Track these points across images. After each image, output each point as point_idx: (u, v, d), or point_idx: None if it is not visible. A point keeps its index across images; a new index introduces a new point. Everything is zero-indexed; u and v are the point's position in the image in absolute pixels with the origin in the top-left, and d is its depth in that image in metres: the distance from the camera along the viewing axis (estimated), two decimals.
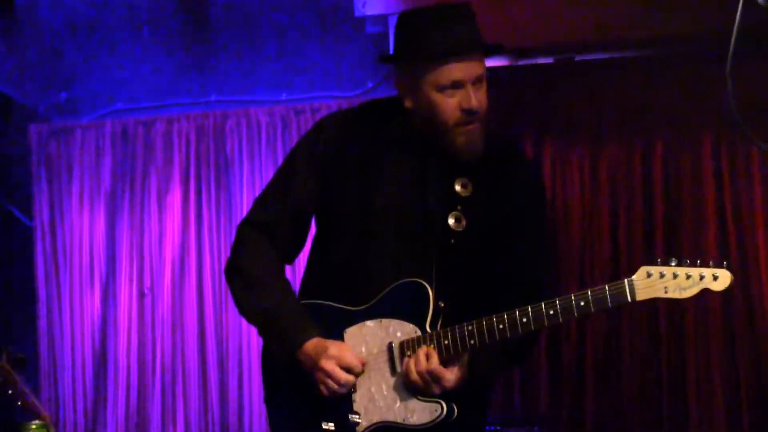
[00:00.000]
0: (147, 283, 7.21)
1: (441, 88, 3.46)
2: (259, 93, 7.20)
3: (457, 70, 3.45)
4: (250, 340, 7.00)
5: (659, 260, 3.28)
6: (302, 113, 7.11)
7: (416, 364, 3.43)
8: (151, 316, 7.19)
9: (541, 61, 6.81)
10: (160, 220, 7.21)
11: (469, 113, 3.46)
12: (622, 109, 6.93)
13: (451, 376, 3.45)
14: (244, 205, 7.03)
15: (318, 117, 6.87)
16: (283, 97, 7.17)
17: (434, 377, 3.42)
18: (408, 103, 3.57)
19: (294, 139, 7.03)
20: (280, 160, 6.98)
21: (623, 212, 6.87)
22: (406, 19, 3.58)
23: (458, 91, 3.46)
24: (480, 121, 3.51)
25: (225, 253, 7.04)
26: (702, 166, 6.79)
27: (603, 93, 6.94)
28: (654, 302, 6.42)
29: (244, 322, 6.83)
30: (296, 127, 7.08)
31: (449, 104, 3.46)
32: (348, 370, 3.51)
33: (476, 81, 3.48)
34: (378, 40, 7.03)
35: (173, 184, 7.22)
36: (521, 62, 6.75)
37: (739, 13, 2.73)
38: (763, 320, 6.63)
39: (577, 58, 6.77)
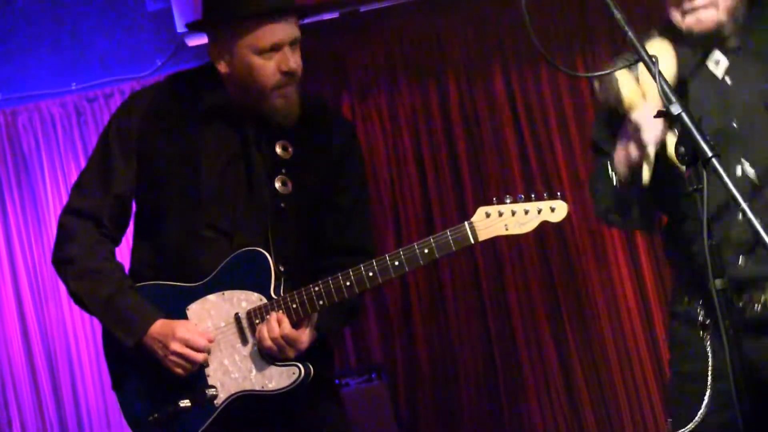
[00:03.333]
0: None
1: (260, 51, 3.43)
2: (47, 85, 6.96)
3: (276, 32, 3.42)
4: (76, 332, 6.82)
5: (495, 199, 3.34)
6: (95, 100, 6.92)
7: (269, 330, 3.42)
8: None
9: (327, 16, 6.79)
10: None
11: (288, 75, 3.45)
12: (413, 53, 6.99)
13: (304, 337, 3.46)
14: (49, 201, 6.83)
15: (111, 102, 6.78)
16: (73, 86, 6.96)
17: (289, 341, 3.42)
18: (223, 69, 3.52)
19: (90, 128, 6.89)
20: (80, 151, 6.87)
21: (428, 155, 6.94)
22: None
23: (276, 53, 3.43)
24: (296, 82, 3.50)
25: (38, 252, 6.85)
26: (496, 97, 6.92)
27: (392, 40, 6.99)
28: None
29: (68, 315, 6.75)
30: (91, 115, 6.89)
31: (268, 67, 3.44)
32: (198, 348, 3.47)
33: (293, 43, 3.47)
34: (161, 16, 6.90)
35: None
36: (307, 20, 6.72)
37: None
38: (573, 238, 6.83)
39: (363, 8, 6.77)
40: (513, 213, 3.31)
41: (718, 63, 3.22)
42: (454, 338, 6.88)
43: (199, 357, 3.48)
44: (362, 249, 3.65)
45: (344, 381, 6.33)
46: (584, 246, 6.82)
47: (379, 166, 6.92)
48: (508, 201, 3.32)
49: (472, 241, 3.33)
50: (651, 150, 3.06)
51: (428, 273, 6.87)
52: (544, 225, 3.33)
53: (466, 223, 3.33)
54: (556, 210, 3.30)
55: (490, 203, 3.35)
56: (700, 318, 3.29)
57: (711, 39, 3.21)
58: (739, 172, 3.18)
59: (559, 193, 3.31)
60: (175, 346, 3.45)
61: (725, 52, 3.21)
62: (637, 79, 3.12)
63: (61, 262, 3.65)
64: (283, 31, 3.44)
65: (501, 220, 3.31)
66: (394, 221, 6.93)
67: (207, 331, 3.52)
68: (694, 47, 3.23)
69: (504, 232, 3.32)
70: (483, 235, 3.32)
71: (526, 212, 3.31)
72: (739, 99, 3.18)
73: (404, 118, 6.97)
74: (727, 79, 3.21)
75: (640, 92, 3.10)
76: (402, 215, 6.93)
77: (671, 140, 3.04)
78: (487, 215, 3.32)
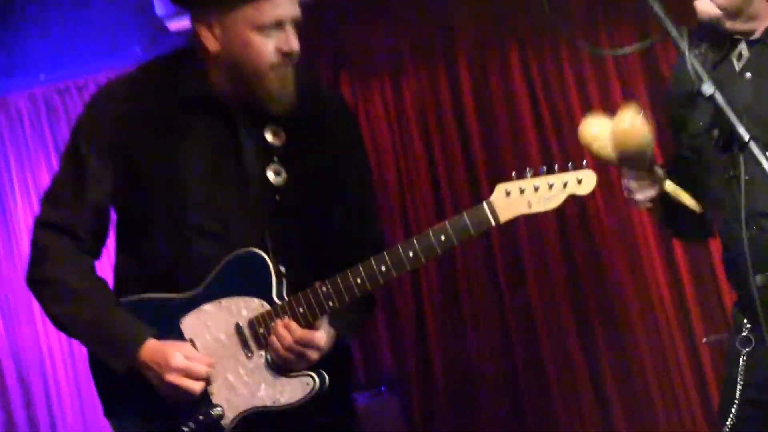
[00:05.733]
0: None
1: (261, 27, 3.36)
2: (14, 76, 6.96)
3: (281, 7, 3.36)
4: (52, 351, 6.82)
5: (514, 175, 3.27)
6: (67, 92, 6.95)
7: (280, 340, 3.37)
8: None
9: None
10: None
11: (287, 56, 3.40)
12: (421, 33, 7.01)
13: (321, 334, 3.41)
14: (17, 203, 6.85)
15: (85, 94, 6.77)
16: (42, 77, 6.94)
17: (306, 344, 3.37)
18: (212, 46, 3.44)
19: (62, 124, 6.90)
20: (51, 149, 6.85)
21: (437, 141, 6.94)
22: None
23: (277, 31, 3.37)
24: (293, 65, 3.45)
25: (7, 263, 6.85)
26: (512, 77, 6.90)
27: (399, 20, 7.01)
28: (488, 237, 6.66)
29: (41, 332, 6.74)
30: (63, 110, 6.93)
31: (267, 46, 3.38)
32: (197, 376, 3.42)
33: (294, 21, 3.41)
34: (139, 2, 6.90)
35: None
36: None
37: None
38: (599, 230, 6.81)
39: None
40: (536, 188, 3.23)
41: (740, 56, 3.30)
42: (473, 345, 6.88)
43: (198, 387, 3.42)
44: (370, 240, 3.63)
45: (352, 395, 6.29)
46: (612, 238, 6.81)
47: (384, 156, 6.93)
48: (529, 175, 3.25)
49: (493, 223, 3.27)
50: (643, 206, 3.36)
51: (442, 273, 6.85)
52: (569, 203, 3.27)
53: (484, 202, 3.27)
54: (584, 181, 3.23)
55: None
56: (745, 331, 3.37)
57: (731, 31, 3.27)
58: None
59: (584, 162, 3.23)
60: (171, 378, 3.40)
61: (750, 44, 3.27)
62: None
63: (37, 283, 3.59)
64: (289, 6, 3.38)
65: (523, 197, 3.24)
66: (402, 218, 6.92)
67: (206, 345, 3.46)
68: (718, 41, 3.31)
69: (527, 211, 3.26)
70: (504, 216, 3.26)
71: (551, 186, 3.23)
72: (752, 92, 3.23)
73: (411, 104, 6.97)
74: (747, 74, 3.28)
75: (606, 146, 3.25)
76: (411, 211, 6.91)
77: (670, 185, 3.32)
78: (507, 193, 3.25)
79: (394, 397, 6.43)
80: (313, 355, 3.39)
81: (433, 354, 6.90)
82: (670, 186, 3.35)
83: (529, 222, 6.61)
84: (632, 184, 3.32)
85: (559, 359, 6.88)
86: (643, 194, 3.32)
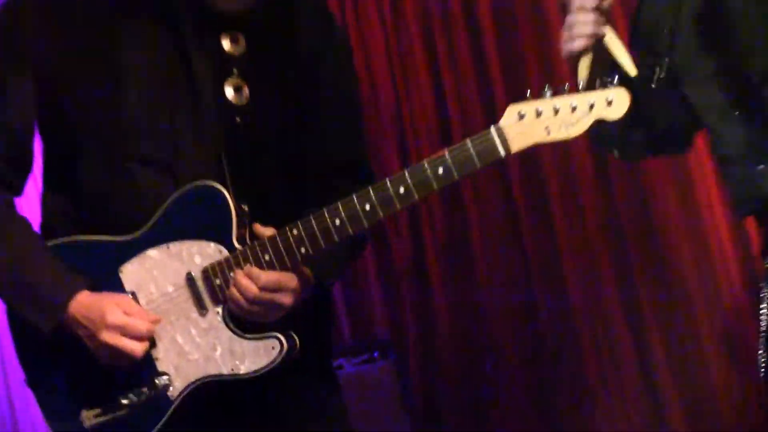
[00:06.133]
0: None
1: None
2: None
3: None
4: None
5: (529, 94, 3.20)
6: None
7: (243, 292, 3.36)
8: None
9: None
10: None
11: None
12: None
13: (291, 275, 3.39)
14: None
15: None
16: None
17: (275, 288, 3.36)
18: None
19: None
20: None
21: (444, 51, 6.92)
22: None
23: None
24: None
25: None
26: None
27: None
28: (504, 169, 6.65)
29: None
30: None
31: None
32: (138, 336, 3.42)
33: None
34: None
35: None
36: None
37: None
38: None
39: None
40: (556, 111, 3.14)
41: None
42: (485, 301, 6.87)
43: (139, 349, 3.42)
44: (354, 172, 3.65)
45: (336, 362, 6.32)
46: (658, 170, 6.77)
47: (378, 70, 6.92)
48: (548, 95, 3.16)
49: (503, 154, 3.19)
50: (577, 45, 3.35)
51: (448, 214, 6.85)
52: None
53: (492, 128, 3.18)
54: (614, 102, 3.12)
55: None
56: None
57: None
58: None
59: (616, 77, 3.13)
60: (107, 337, 3.39)
61: None
62: None
63: None
64: None
65: (540, 121, 3.16)
66: (399, 146, 6.92)
67: (151, 299, 3.47)
68: None
69: (546, 138, 3.18)
70: (517, 144, 3.18)
71: (574, 109, 3.13)
72: None
73: (412, 7, 6.94)
74: None
75: None
76: (410, 137, 6.91)
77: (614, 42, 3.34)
78: (521, 116, 3.16)
79: (388, 365, 6.44)
80: (285, 299, 3.38)
81: (437, 311, 6.92)
82: (609, 34, 3.35)
83: (556, 147, 6.62)
84: (578, 17, 3.34)
85: (593, 316, 6.86)
86: (585, 28, 3.32)
